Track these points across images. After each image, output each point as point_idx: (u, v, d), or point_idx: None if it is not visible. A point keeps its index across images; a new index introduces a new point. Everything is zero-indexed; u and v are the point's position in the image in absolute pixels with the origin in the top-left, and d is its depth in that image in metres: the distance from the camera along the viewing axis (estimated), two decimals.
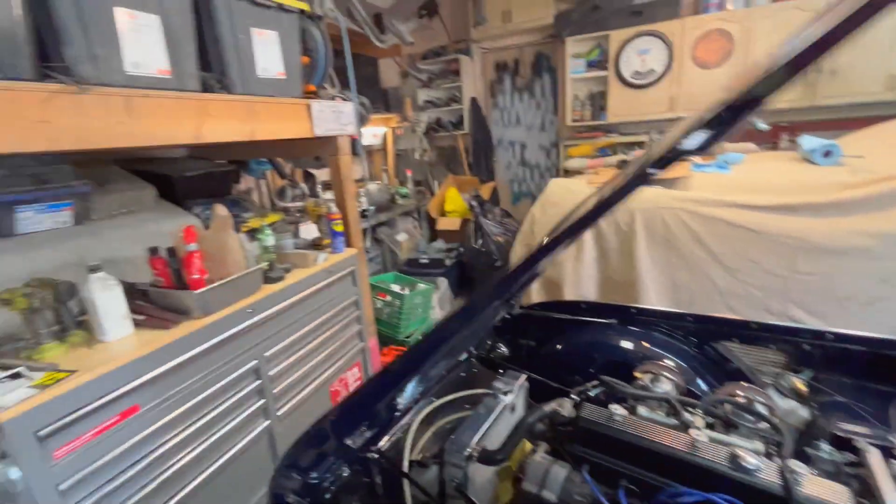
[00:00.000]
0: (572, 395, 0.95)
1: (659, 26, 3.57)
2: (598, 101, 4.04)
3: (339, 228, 1.99)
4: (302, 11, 1.81)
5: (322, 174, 3.48)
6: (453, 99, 4.74)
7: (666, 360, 1.16)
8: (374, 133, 4.24)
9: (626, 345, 1.30)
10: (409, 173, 4.20)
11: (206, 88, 1.49)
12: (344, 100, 2.08)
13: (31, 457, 0.95)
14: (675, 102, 3.67)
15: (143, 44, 1.28)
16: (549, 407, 0.92)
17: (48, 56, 1.11)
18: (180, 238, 1.33)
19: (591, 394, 0.98)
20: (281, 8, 1.71)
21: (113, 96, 1.18)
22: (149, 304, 1.36)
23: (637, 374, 1.03)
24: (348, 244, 2.11)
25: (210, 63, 1.54)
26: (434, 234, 4.08)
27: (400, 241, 3.65)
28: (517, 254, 2.40)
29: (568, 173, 2.99)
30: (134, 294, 1.37)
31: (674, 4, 3.56)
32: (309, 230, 2.66)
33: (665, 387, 0.98)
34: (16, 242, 1.35)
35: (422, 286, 2.70)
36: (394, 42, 3.32)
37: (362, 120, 2.26)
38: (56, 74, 1.08)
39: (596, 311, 1.36)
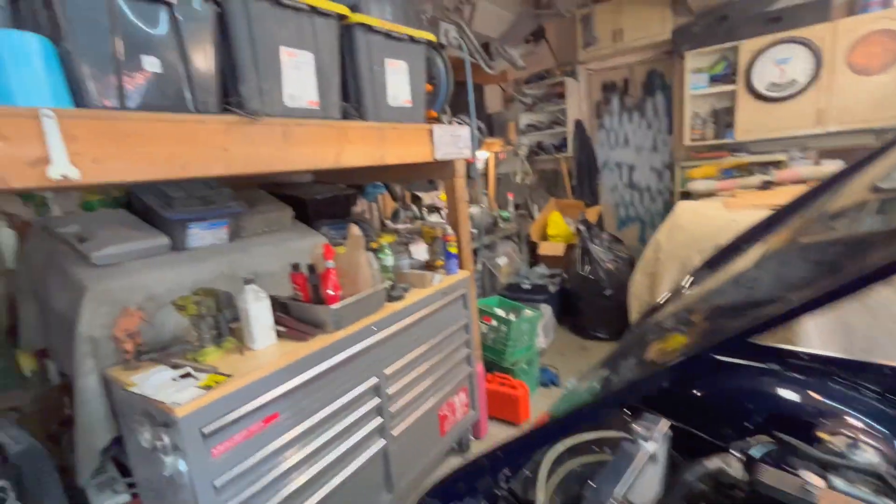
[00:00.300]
0: (733, 452, 0.80)
1: (804, 32, 3.16)
2: (722, 118, 3.66)
3: (454, 250, 2.00)
4: (429, 42, 1.89)
5: (427, 197, 3.59)
6: (556, 122, 4.64)
7: (852, 420, 0.94)
8: (477, 157, 4.30)
9: (798, 396, 1.08)
10: (510, 197, 4.16)
11: (344, 116, 1.60)
12: (460, 124, 2.12)
13: (196, 452, 1.03)
14: (825, 115, 3.19)
15: (298, 78, 1.41)
16: (713, 464, 0.78)
17: (227, 93, 1.27)
18: (319, 255, 1.41)
19: (756, 453, 0.82)
20: (412, 40, 1.80)
21: (275, 126, 1.30)
22: (288, 317, 1.45)
23: (824, 436, 0.84)
24: (460, 266, 2.10)
25: (348, 93, 1.66)
26: (535, 259, 3.96)
27: (500, 265, 3.60)
28: (638, 283, 2.20)
29: (691, 196, 2.70)
30: (276, 306, 1.48)
31: (823, 7, 3.14)
32: (419, 251, 2.73)
33: (868, 456, 0.78)
34: (187, 255, 1.54)
35: (528, 313, 2.59)
36: (501, 68, 3.36)
37: (477, 143, 2.28)
38: (234, 109, 1.23)
39: (746, 350, 1.16)
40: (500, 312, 2.56)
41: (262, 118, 1.25)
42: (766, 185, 2.39)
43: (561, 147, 4.65)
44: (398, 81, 1.80)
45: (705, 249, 1.97)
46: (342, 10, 1.48)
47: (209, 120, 1.15)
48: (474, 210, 3.53)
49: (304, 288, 1.45)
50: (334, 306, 1.37)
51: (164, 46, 1.08)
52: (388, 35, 1.70)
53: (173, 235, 1.53)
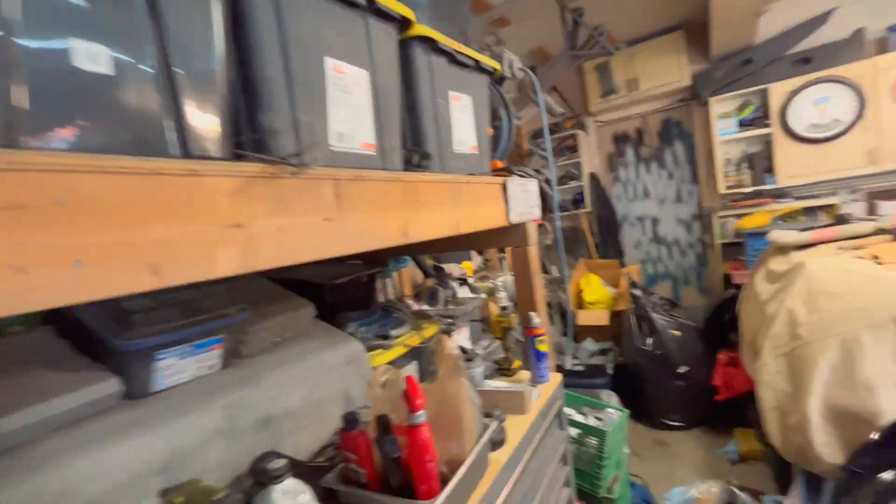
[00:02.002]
0: None
1: (839, 71, 2.98)
2: (759, 164, 3.39)
3: (545, 348, 1.41)
4: (493, 72, 1.44)
5: (449, 268, 3.04)
6: (570, 176, 4.31)
7: None
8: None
9: None
10: None
11: (406, 167, 1.07)
12: (524, 175, 1.62)
13: None
14: (878, 154, 2.94)
15: (350, 107, 0.88)
16: None
17: (237, 129, 0.72)
18: (397, 397, 0.80)
19: None
20: (478, 67, 1.34)
21: (323, 180, 0.74)
22: None
23: None
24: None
25: (405, 134, 1.15)
26: (572, 331, 3.39)
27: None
28: (771, 369, 1.67)
29: (782, 250, 2.30)
30: (311, 488, 0.83)
31: (855, 45, 3.00)
32: (461, 341, 2.12)
33: None
34: (151, 408, 0.89)
35: (613, 412, 1.98)
36: (528, 117, 3.03)
37: (545, 200, 1.79)
38: (250, 153, 0.66)
39: None
40: (579, 417, 1.94)
41: (308, 168, 0.69)
42: (884, 232, 2.02)
43: (578, 202, 4.28)
44: (464, 121, 1.30)
45: (881, 323, 1.47)
46: (405, 11, 1.00)
47: (209, 171, 0.57)
48: (508, 279, 2.99)
49: (369, 460, 0.82)
50: (435, 502, 0.74)
51: (119, 31, 0.53)
52: (452, 58, 1.23)
53: (130, 374, 0.89)
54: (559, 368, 2.82)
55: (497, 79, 1.57)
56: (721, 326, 2.88)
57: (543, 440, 1.30)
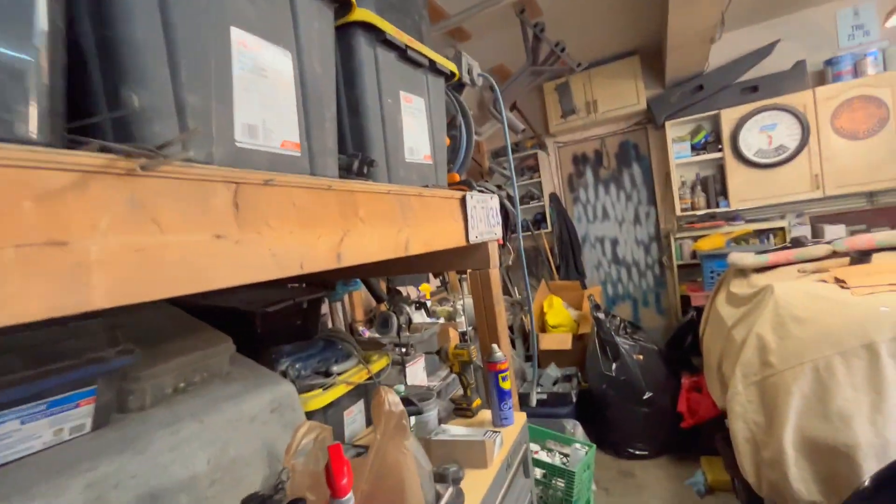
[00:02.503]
0: None
1: (784, 100, 3.10)
2: (713, 187, 3.46)
3: (508, 385, 1.24)
4: (451, 75, 1.30)
5: (408, 290, 2.84)
6: (530, 196, 4.27)
7: None
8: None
9: None
10: None
11: (346, 175, 0.89)
12: (484, 191, 1.48)
13: None
14: (822, 180, 3.05)
15: (264, 96, 0.69)
16: None
17: (85, 108, 0.52)
18: (317, 475, 0.60)
19: None
20: (433, 68, 1.19)
21: (215, 183, 0.55)
22: None
23: None
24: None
25: (344, 136, 0.97)
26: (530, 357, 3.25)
27: None
28: (742, 399, 1.58)
29: (742, 273, 2.28)
30: None
31: (798, 75, 3.14)
32: (416, 372, 1.92)
33: None
34: None
35: (580, 448, 1.83)
36: (487, 135, 2.93)
37: (507, 218, 1.65)
38: (91, 139, 0.46)
39: None
40: (544, 455, 1.77)
41: (184, 165, 0.49)
42: (837, 255, 2.03)
43: (539, 222, 4.23)
44: (416, 126, 1.14)
45: (852, 350, 1.41)
46: None
47: (29, 158, 0.37)
48: (468, 301, 2.83)
49: None
50: None
51: None
52: (403, 54, 1.07)
53: None
54: (523, 400, 2.66)
55: (455, 85, 1.44)
56: (683, 350, 2.83)
57: (507, 493, 1.12)
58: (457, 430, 1.15)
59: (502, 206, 1.58)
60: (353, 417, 1.49)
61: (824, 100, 3.01)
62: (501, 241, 1.56)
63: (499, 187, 1.57)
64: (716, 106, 3.32)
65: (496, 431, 1.14)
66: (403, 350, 1.91)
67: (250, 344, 1.39)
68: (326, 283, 2.03)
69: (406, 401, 1.00)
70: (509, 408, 1.24)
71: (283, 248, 0.64)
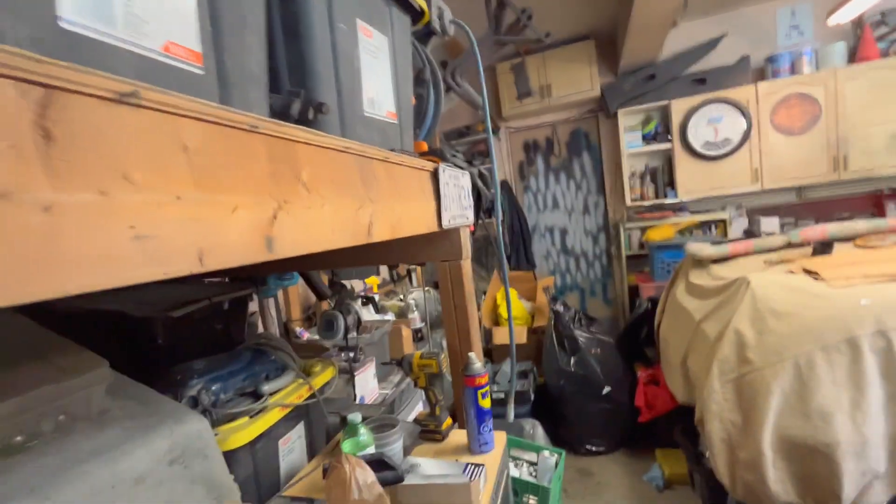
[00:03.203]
0: None
1: (729, 93, 3.15)
2: (661, 177, 3.48)
3: (488, 404, 1.01)
4: (420, 14, 1.02)
5: (353, 283, 2.52)
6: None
7: None
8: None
9: None
10: None
11: (280, 116, 0.59)
12: (454, 167, 1.22)
13: None
14: (761, 173, 3.15)
15: None
16: None
17: None
18: None
19: None
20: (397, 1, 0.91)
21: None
22: None
23: None
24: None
25: (278, 71, 0.66)
26: (488, 351, 3.09)
27: None
28: (719, 397, 1.49)
29: (701, 264, 2.25)
30: None
31: (743, 70, 3.20)
32: (366, 381, 1.65)
33: None
34: None
35: (549, 455, 1.66)
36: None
37: (479, 202, 1.42)
38: None
39: None
40: (513, 468, 1.58)
41: None
42: (792, 246, 2.04)
43: (489, 211, 4.04)
44: (378, 71, 0.86)
45: (833, 345, 1.35)
46: None
47: None
48: (418, 295, 2.57)
49: None
50: None
51: None
52: None
53: None
54: None
55: (421, 34, 1.16)
56: (637, 342, 2.80)
57: None
58: (428, 465, 0.90)
59: (473, 187, 1.34)
60: (291, 446, 1.20)
61: (765, 95, 3.10)
62: (472, 228, 1.32)
63: (469, 163, 1.33)
64: (667, 96, 3.32)
65: (478, 465, 0.91)
66: (352, 355, 1.63)
67: (147, 362, 1.04)
68: (255, 276, 1.67)
69: (378, 464, 0.72)
70: (490, 430, 1.01)
71: (159, 225, 0.34)
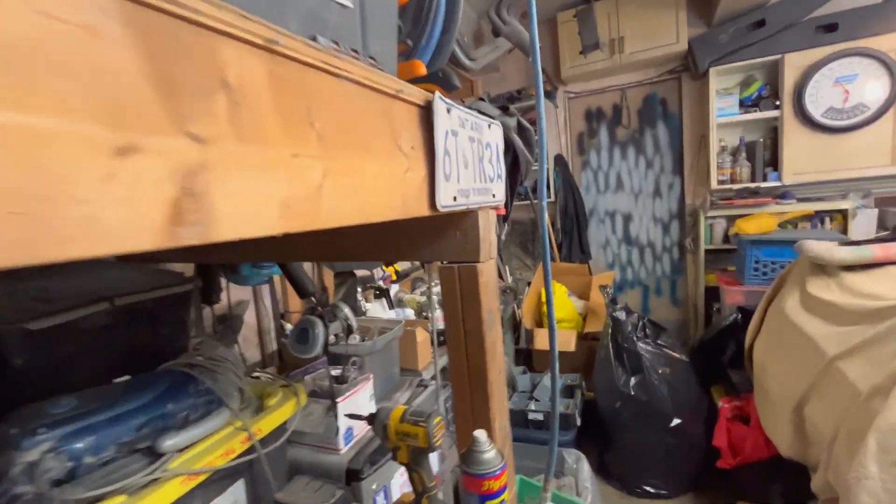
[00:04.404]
0: None
1: (870, 42, 2.38)
2: (761, 155, 2.77)
3: (498, 485, 0.57)
4: None
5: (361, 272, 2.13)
6: None
7: None
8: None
9: None
10: None
11: None
12: (475, 113, 0.75)
13: None
14: None
15: None
16: None
17: None
18: None
19: None
20: None
21: None
22: None
23: None
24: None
25: None
26: (528, 356, 2.64)
27: None
28: (874, 481, 0.96)
29: (824, 270, 1.65)
30: None
31: (891, 12, 2.40)
32: (358, 405, 1.27)
33: None
34: None
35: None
36: (482, 65, 2.17)
37: (517, 169, 0.94)
38: None
39: None
40: None
41: None
42: None
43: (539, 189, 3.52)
44: None
45: None
46: None
47: None
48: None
49: None
50: None
51: None
52: None
53: None
54: (514, 419, 2.02)
55: None
56: (718, 360, 2.23)
57: None
58: None
59: (508, 147, 0.87)
60: None
61: None
62: (503, 210, 0.85)
63: (503, 109, 0.86)
64: (778, 49, 2.59)
65: None
66: (336, 375, 1.24)
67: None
68: (225, 265, 1.32)
69: None
70: None
71: None
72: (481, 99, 0.87)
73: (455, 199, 0.61)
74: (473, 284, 0.74)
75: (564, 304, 2.58)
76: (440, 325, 1.96)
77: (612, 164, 3.47)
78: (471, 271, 0.73)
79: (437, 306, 1.98)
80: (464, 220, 0.73)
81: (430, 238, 0.77)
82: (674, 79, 3.14)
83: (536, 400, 2.17)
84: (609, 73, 3.19)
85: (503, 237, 3.33)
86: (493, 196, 0.77)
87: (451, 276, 0.75)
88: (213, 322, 1.55)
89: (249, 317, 1.70)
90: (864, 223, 2.63)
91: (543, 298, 2.68)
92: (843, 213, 2.63)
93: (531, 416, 2.03)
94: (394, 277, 2.27)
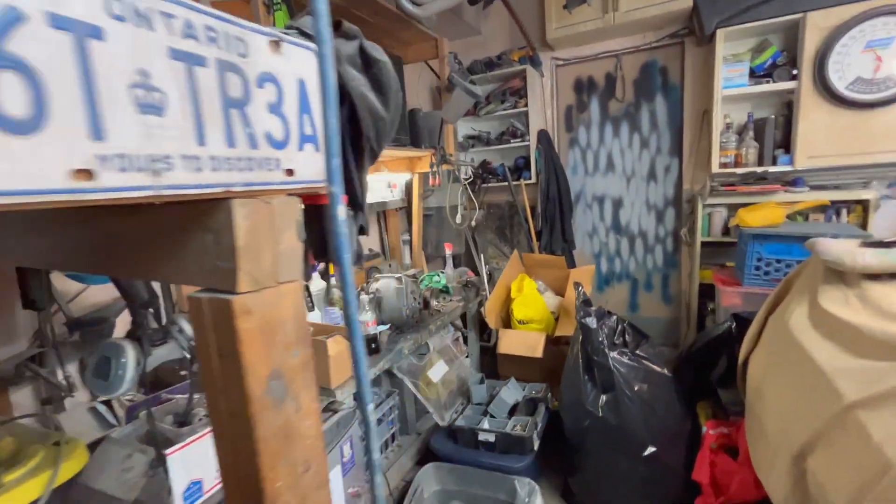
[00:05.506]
0: None
1: None
2: (771, 133, 2.39)
3: None
4: None
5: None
6: (511, 132, 3.16)
7: None
8: (389, 182, 2.63)
9: None
10: (448, 249, 2.51)
11: None
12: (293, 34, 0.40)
13: None
14: None
15: None
16: None
17: None
18: None
19: None
20: None
21: None
22: None
23: None
24: None
25: None
26: (492, 362, 2.33)
27: (436, 385, 1.89)
28: None
29: (843, 277, 1.34)
30: None
31: None
32: (206, 458, 0.95)
33: None
34: None
35: None
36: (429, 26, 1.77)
37: (361, 129, 0.60)
38: None
39: None
40: None
41: None
42: None
43: (519, 170, 3.16)
44: None
45: None
46: None
47: None
48: (387, 283, 1.81)
49: None
50: None
51: None
52: None
53: None
54: (456, 432, 1.74)
55: None
56: (706, 373, 1.91)
57: None
58: None
59: (341, 92, 0.52)
60: None
61: None
62: (308, 198, 0.52)
63: (335, 27, 0.52)
64: (799, 6, 2.18)
65: None
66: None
67: None
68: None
69: None
70: None
71: None
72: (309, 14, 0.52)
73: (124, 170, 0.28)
74: (229, 332, 0.40)
75: (534, 301, 2.25)
76: (371, 329, 1.64)
77: (603, 143, 3.09)
78: (223, 309, 0.40)
79: (367, 307, 1.66)
80: (214, 217, 0.40)
81: (171, 244, 0.43)
82: (676, 43, 2.73)
83: (491, 416, 1.87)
84: (602, 36, 2.79)
85: (474, 223, 2.98)
86: (285, 171, 0.44)
87: (199, 316, 0.42)
88: (67, 329, 1.25)
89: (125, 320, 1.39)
90: (888, 216, 2.27)
91: (513, 294, 2.35)
92: (864, 205, 2.27)
93: (482, 436, 1.73)
94: (331, 270, 1.94)
